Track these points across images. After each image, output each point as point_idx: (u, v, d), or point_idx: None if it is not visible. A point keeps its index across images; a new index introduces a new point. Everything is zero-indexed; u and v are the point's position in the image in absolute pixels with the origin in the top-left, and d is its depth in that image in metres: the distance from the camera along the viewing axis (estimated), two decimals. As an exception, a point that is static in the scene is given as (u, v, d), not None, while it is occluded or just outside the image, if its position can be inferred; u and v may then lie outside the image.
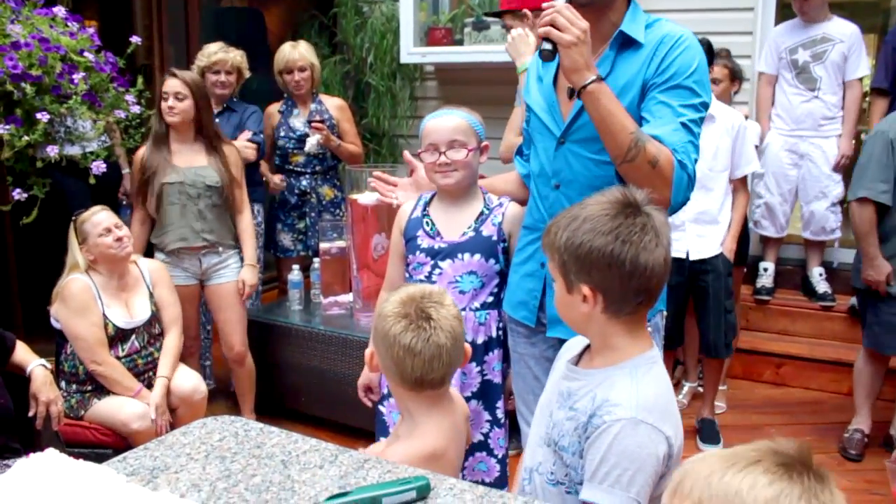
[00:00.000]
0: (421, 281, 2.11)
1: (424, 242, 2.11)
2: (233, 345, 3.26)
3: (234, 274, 3.23)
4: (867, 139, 3.18)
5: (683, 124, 1.67)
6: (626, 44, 1.75)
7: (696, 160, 1.69)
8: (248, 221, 3.22)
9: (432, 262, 2.10)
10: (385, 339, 1.44)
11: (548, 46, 1.63)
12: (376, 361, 1.52)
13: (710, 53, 3.34)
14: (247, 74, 3.79)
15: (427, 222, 2.14)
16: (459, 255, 2.08)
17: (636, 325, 1.34)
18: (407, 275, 2.18)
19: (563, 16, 1.61)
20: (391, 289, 2.16)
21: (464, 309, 2.09)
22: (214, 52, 3.63)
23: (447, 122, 2.08)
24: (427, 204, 2.17)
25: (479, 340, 2.12)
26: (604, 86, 1.64)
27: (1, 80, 2.57)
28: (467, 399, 2.13)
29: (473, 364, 2.12)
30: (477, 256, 2.08)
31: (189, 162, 3.13)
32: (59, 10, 2.87)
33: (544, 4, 1.64)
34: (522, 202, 2.18)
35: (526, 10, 2.89)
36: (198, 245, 3.14)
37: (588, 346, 1.42)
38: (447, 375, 1.48)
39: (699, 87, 1.71)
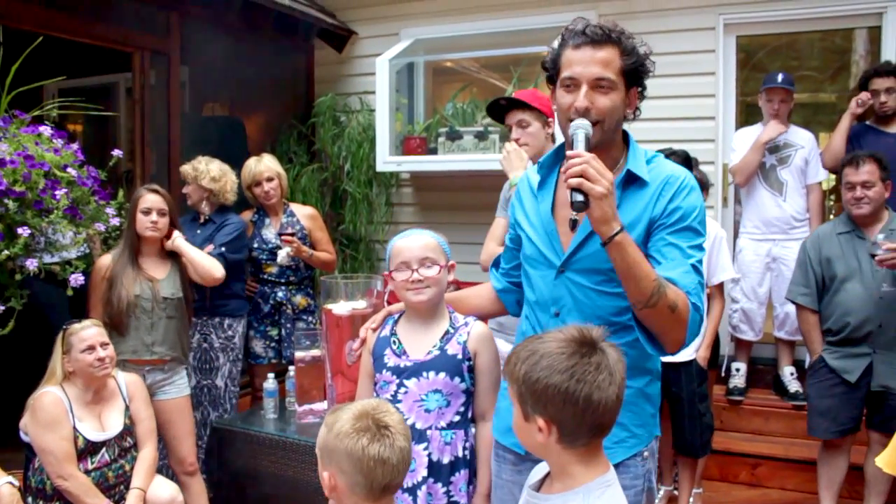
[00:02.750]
0: (388, 400, 2.11)
1: (391, 361, 2.14)
2: (185, 456, 3.22)
3: (180, 389, 3.25)
4: None
5: (693, 266, 1.71)
6: (632, 181, 1.78)
7: (703, 300, 1.74)
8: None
9: (398, 381, 2.12)
10: (351, 456, 1.48)
11: (580, 198, 1.62)
12: (335, 482, 1.53)
13: (688, 164, 3.48)
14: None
15: (394, 341, 2.17)
16: (424, 374, 2.10)
17: (591, 454, 1.38)
18: (374, 394, 2.19)
19: (592, 167, 1.60)
20: None
21: (429, 428, 2.10)
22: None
23: (417, 241, 2.14)
24: (395, 323, 2.22)
25: (445, 460, 2.10)
26: (627, 235, 1.65)
27: (-15, 196, 2.64)
28: None
29: (439, 485, 2.10)
30: (442, 375, 2.09)
31: (149, 274, 3.18)
32: (46, 129, 2.97)
33: (569, 153, 1.65)
34: (494, 316, 2.22)
35: (537, 107, 2.87)
36: (145, 359, 3.14)
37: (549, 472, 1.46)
38: (404, 476, 1.55)
39: (701, 227, 1.76)
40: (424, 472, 2.09)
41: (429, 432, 2.10)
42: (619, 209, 1.72)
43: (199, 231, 3.75)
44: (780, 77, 4.22)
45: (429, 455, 2.10)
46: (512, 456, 1.94)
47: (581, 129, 1.71)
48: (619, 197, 1.75)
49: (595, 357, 1.33)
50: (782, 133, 4.19)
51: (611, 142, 1.80)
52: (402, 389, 2.11)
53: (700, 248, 1.74)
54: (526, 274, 1.94)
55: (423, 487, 2.09)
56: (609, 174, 1.62)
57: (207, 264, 3.33)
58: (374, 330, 2.24)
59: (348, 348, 3.09)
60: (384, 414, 1.54)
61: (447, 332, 2.15)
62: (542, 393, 1.32)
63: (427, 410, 2.10)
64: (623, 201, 1.76)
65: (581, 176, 1.60)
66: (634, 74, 1.76)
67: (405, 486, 2.10)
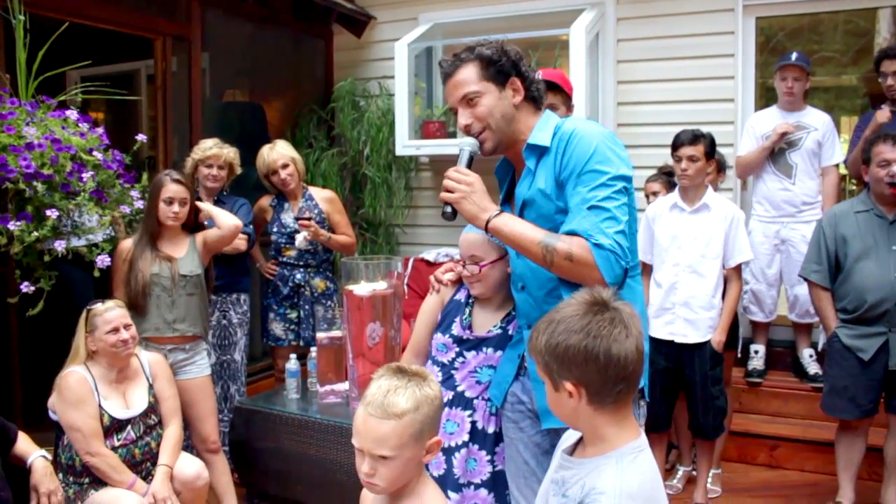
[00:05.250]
0: (443, 364, 2.23)
1: (456, 329, 2.24)
2: (208, 435, 3.28)
3: (202, 369, 3.29)
4: None
5: (592, 206, 1.78)
6: (542, 152, 1.92)
7: (620, 231, 1.78)
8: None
9: (457, 350, 2.22)
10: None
11: (447, 209, 1.91)
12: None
13: (713, 147, 3.48)
14: (238, 171, 3.90)
15: (466, 311, 2.25)
16: (484, 349, 2.21)
17: (622, 415, 1.41)
18: (429, 348, 2.30)
19: (450, 179, 1.89)
20: (415, 352, 2.31)
21: (477, 398, 2.21)
22: (210, 147, 3.77)
23: (466, 237, 2.21)
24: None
25: (490, 430, 2.21)
26: (502, 217, 1.86)
27: (14, 179, 2.69)
28: (476, 487, 2.20)
29: (484, 452, 2.20)
30: (499, 353, 2.20)
31: (166, 253, 3.22)
32: (72, 114, 3.02)
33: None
34: None
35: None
36: (167, 336, 3.19)
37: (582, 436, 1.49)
38: None
39: (603, 164, 1.81)
40: (465, 437, 2.20)
41: (475, 401, 2.21)
42: (535, 179, 1.92)
43: None
44: (794, 55, 4.19)
45: (472, 422, 2.20)
46: (512, 413, 2.10)
47: (466, 146, 1.95)
48: (534, 169, 1.93)
49: (608, 313, 1.37)
50: (788, 135, 4.14)
51: (516, 133, 1.95)
52: (460, 359, 2.23)
53: (605, 184, 1.79)
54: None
55: (463, 451, 2.18)
56: (468, 178, 1.88)
57: (229, 219, 3.38)
58: (454, 283, 2.32)
59: (370, 331, 3.14)
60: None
61: (510, 314, 2.22)
62: (563, 356, 1.36)
63: (478, 382, 2.22)
64: (538, 171, 1.92)
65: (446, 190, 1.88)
66: (502, 72, 1.93)
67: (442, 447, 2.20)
